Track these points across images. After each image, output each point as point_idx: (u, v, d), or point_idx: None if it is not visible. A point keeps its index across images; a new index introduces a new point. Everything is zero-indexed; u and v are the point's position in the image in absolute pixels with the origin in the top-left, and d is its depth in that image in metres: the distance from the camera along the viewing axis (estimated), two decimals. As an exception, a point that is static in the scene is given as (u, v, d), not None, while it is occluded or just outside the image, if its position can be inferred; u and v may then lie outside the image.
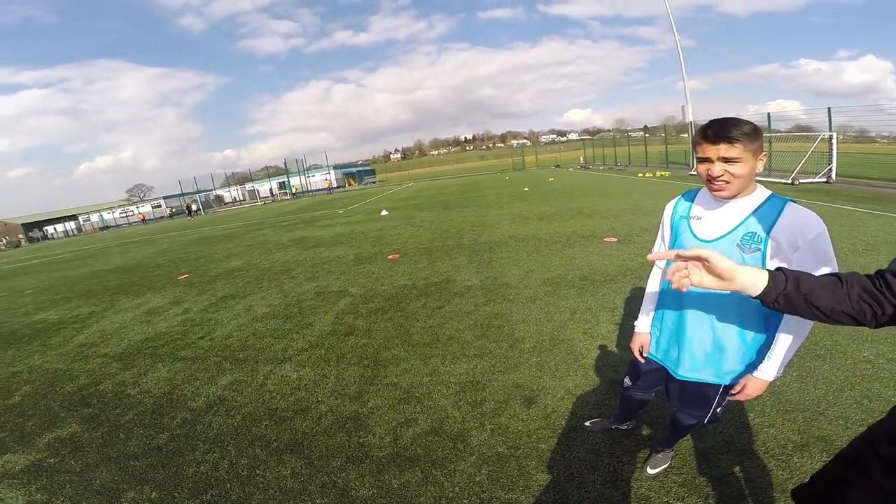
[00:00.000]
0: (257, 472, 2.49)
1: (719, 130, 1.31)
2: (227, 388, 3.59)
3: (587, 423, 2.49)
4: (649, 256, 1.18)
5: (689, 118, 21.08)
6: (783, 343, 1.40)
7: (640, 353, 1.86)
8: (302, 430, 2.85)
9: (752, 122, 1.32)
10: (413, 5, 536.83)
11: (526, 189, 18.35)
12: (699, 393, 1.70)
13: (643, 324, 1.85)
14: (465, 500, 2.10)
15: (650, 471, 2.09)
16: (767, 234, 1.35)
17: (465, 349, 3.71)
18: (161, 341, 4.98)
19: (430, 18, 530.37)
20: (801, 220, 1.31)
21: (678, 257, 1.06)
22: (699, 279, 1.04)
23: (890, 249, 4.85)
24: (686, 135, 22.01)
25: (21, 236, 57.49)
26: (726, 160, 1.32)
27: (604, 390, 2.86)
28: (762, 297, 1.00)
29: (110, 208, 61.38)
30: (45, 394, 3.98)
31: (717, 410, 1.73)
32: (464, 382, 3.18)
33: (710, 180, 1.38)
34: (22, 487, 2.66)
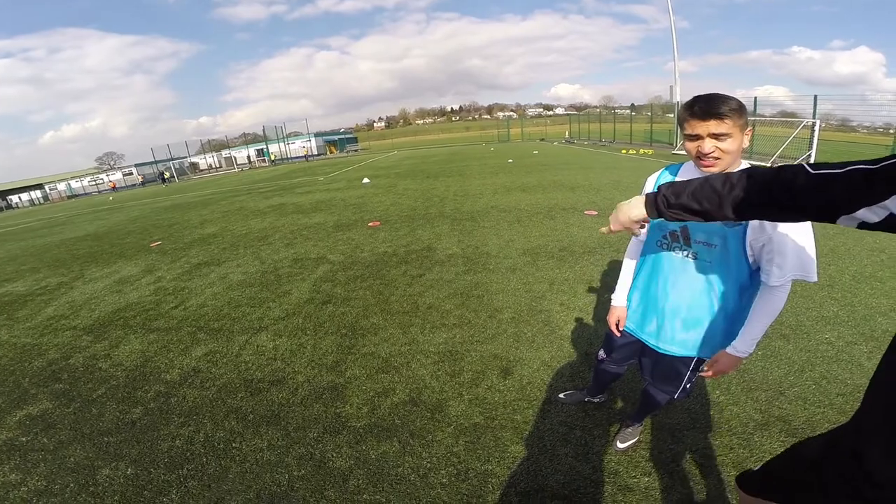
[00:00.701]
0: (234, 444, 2.46)
1: (707, 107, 1.28)
2: (201, 359, 3.52)
3: (561, 396, 2.52)
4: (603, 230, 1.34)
5: (677, 98, 21.02)
6: (756, 319, 1.41)
7: (616, 327, 1.86)
8: (278, 401, 2.82)
9: (736, 98, 1.30)
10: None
11: (510, 161, 18.20)
12: (671, 367, 1.73)
13: (619, 297, 1.86)
14: (441, 471, 2.11)
15: (619, 445, 2.13)
16: None
17: (444, 318, 3.70)
18: (133, 312, 4.84)
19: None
20: None
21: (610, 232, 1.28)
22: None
23: (857, 234, 4.96)
24: (672, 114, 21.90)
25: (-16, 205, 54.95)
26: (716, 136, 1.30)
27: (578, 362, 2.89)
28: (649, 209, 1.12)
29: (79, 176, 58.77)
30: (14, 370, 3.84)
31: (688, 386, 1.75)
32: (442, 352, 3.18)
33: (699, 157, 1.35)
34: None
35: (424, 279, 4.67)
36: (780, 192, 0.88)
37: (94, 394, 3.22)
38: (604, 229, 1.32)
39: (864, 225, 0.80)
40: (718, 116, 1.27)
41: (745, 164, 1.41)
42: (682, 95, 20.82)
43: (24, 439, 2.80)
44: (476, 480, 2.04)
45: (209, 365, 3.41)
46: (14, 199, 56.06)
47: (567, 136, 36.82)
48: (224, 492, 2.14)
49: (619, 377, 2.17)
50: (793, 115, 14.69)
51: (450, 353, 3.16)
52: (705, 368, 1.58)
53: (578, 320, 3.45)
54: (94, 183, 54.02)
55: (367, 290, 4.53)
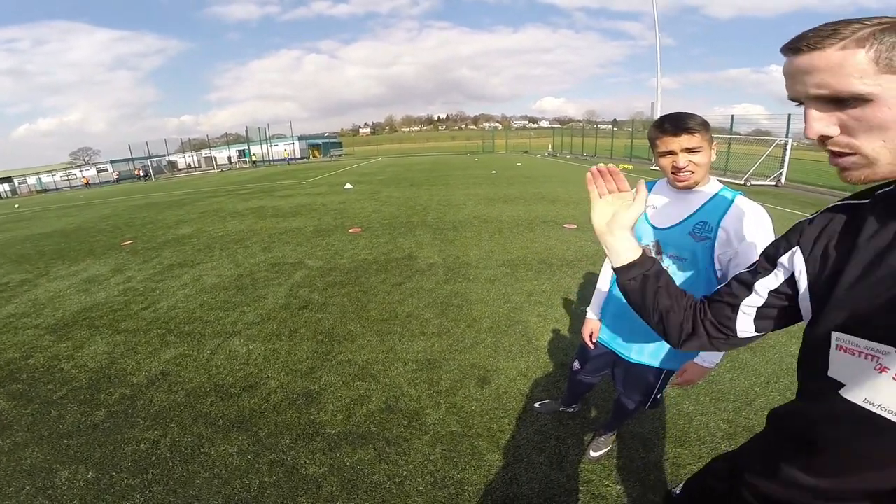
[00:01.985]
0: (202, 449, 2.39)
1: (677, 123, 1.35)
2: (170, 362, 3.42)
3: (537, 405, 2.55)
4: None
5: (658, 114, 21.62)
6: None
7: (590, 339, 1.92)
8: (250, 406, 2.75)
9: (699, 115, 1.37)
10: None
11: (493, 172, 18.38)
12: (641, 377, 1.77)
13: (594, 311, 1.93)
14: (418, 479, 2.09)
15: (593, 454, 2.16)
16: (717, 224, 1.39)
17: (423, 327, 3.68)
18: (100, 312, 4.68)
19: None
20: (748, 211, 1.36)
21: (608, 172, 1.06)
22: (611, 198, 1.03)
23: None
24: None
25: (-56, 195, 52.56)
26: (689, 150, 1.36)
27: (555, 373, 2.91)
28: (625, 267, 0.96)
29: (50, 171, 56.76)
30: (-34, 365, 3.66)
31: (658, 396, 1.80)
32: (420, 360, 3.16)
33: (674, 172, 1.40)
34: None
35: (404, 287, 4.65)
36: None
37: (55, 395, 3.09)
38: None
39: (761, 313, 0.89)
40: (689, 131, 1.33)
41: (714, 181, 1.47)
42: (662, 111, 21.47)
43: None
44: (453, 488, 2.03)
45: (178, 368, 3.31)
46: None
47: (550, 149, 37.41)
48: (191, 497, 2.07)
49: (593, 387, 2.21)
50: (767, 133, 15.22)
51: (428, 361, 3.15)
52: (676, 379, 1.62)
53: (555, 331, 3.48)
54: (66, 178, 52.15)
55: (345, 297, 4.48)
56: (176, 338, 3.85)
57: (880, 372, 0.64)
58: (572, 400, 2.42)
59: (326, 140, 65.17)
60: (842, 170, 0.69)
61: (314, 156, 55.77)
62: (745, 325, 0.89)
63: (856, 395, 0.67)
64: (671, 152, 1.38)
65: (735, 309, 0.89)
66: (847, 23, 0.63)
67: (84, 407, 2.91)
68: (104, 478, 2.25)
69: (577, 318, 3.67)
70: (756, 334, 0.90)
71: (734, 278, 0.91)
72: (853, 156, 0.66)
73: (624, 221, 0.96)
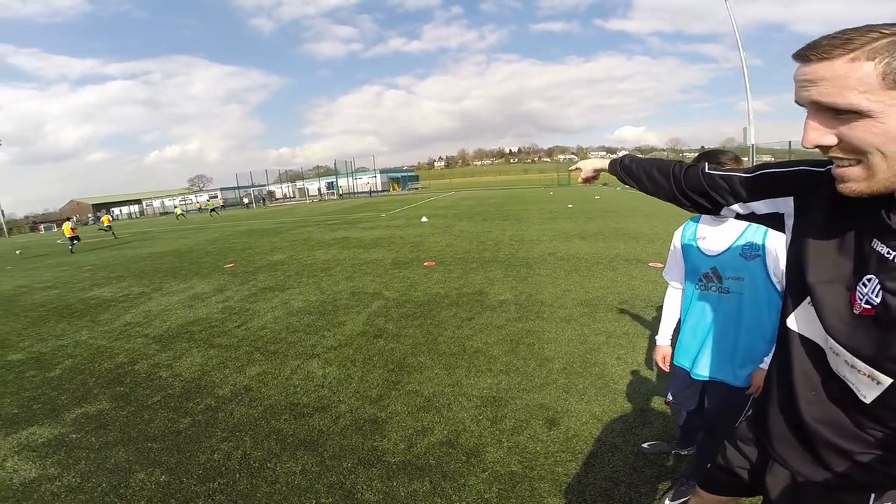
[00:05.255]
0: (268, 465, 2.49)
1: (710, 160, 1.50)
2: (254, 378, 3.65)
3: (645, 445, 2.42)
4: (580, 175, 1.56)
5: (751, 141, 19.98)
6: None
7: (663, 363, 2.00)
8: (319, 427, 2.84)
9: (732, 151, 1.61)
10: (465, 15, 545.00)
11: (570, 206, 17.98)
12: (729, 396, 1.74)
13: (663, 338, 2.04)
14: (473, 520, 2.00)
15: (669, 503, 2.00)
16: (763, 242, 1.58)
17: (491, 363, 3.61)
18: (200, 326, 5.16)
19: (481, 28, 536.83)
20: None
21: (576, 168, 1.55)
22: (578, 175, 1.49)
23: None
24: (747, 158, 20.97)
25: (90, 215, 62.21)
26: None
27: (633, 417, 2.69)
28: (612, 164, 1.32)
29: (171, 196, 65.29)
30: (84, 369, 4.19)
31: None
32: (486, 397, 3.08)
33: None
34: (38, 460, 2.76)
35: (474, 323, 4.62)
36: (681, 183, 1.10)
37: (150, 400, 3.42)
38: (573, 168, 1.58)
39: (738, 216, 1.03)
40: (720, 166, 1.56)
41: None
42: (756, 138, 19.80)
43: (74, 436, 3.01)
44: (509, 536, 1.91)
45: (260, 385, 3.52)
46: (116, 210, 62.96)
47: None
48: (253, 512, 2.15)
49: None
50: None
51: (493, 398, 3.06)
52: (750, 391, 1.66)
53: (635, 374, 3.23)
54: (184, 202, 59.50)
55: (417, 329, 4.54)
56: (262, 356, 4.12)
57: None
58: (687, 442, 2.29)
59: (405, 174, 68.24)
60: (839, 181, 0.71)
61: (394, 189, 58.47)
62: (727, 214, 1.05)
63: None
64: None
65: (716, 206, 1.06)
66: (863, 31, 0.61)
67: (172, 413, 3.18)
68: (174, 482, 2.42)
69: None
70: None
71: (726, 180, 1.03)
72: (853, 167, 0.67)
73: (586, 165, 1.49)
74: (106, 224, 22.66)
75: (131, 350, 4.57)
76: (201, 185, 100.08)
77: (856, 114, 0.62)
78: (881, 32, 0.60)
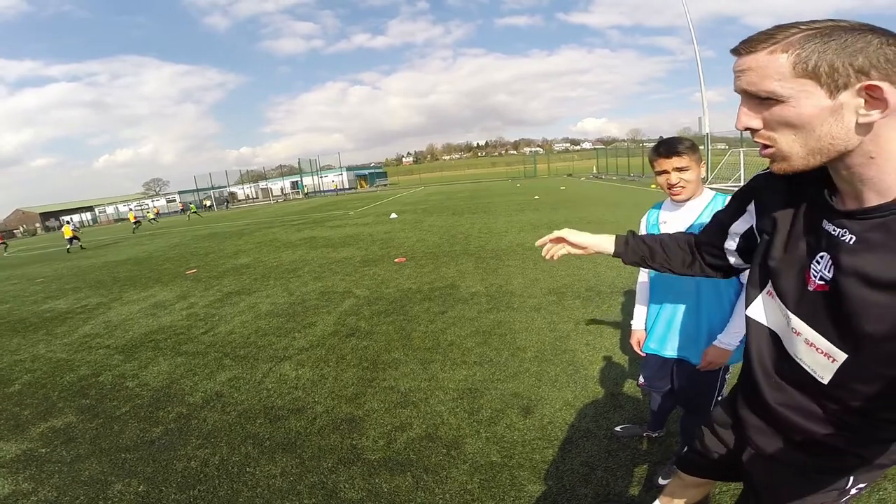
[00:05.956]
0: (248, 469, 2.47)
1: (669, 147, 1.65)
2: (225, 384, 3.58)
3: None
4: (537, 243, 1.41)
5: (706, 130, 20.80)
6: (738, 315, 1.62)
7: (638, 347, 2.07)
8: (296, 429, 2.82)
9: (689, 139, 1.69)
10: (431, 10, 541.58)
11: (536, 197, 18.30)
12: (697, 374, 1.80)
13: (638, 322, 2.10)
14: (454, 509, 2.05)
15: (662, 481, 2.06)
16: None
17: (465, 356, 3.67)
18: (164, 335, 5.00)
19: (447, 24, 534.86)
20: None
21: (552, 241, 1.37)
22: (564, 251, 1.36)
23: None
24: (703, 146, 21.84)
25: (38, 224, 58.75)
26: (679, 169, 1.65)
27: (603, 402, 2.80)
28: (618, 256, 1.36)
29: (126, 201, 62.34)
30: (45, 383, 4.00)
31: (719, 398, 1.82)
32: (462, 389, 3.14)
33: (669, 187, 1.69)
34: (10, 476, 2.66)
35: (447, 316, 4.67)
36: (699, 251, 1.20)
37: (119, 411, 3.31)
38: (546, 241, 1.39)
39: (737, 249, 1.07)
40: (678, 153, 1.63)
41: (707, 190, 1.75)
42: (710, 126, 20.65)
43: (43, 450, 2.89)
44: (491, 523, 1.97)
45: (232, 390, 3.46)
46: (66, 219, 59.59)
47: (594, 170, 36.83)
48: (236, 519, 2.13)
49: (673, 409, 2.28)
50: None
51: (469, 390, 3.12)
52: (700, 366, 1.74)
53: (605, 359, 3.36)
54: (139, 207, 56.90)
55: (390, 325, 4.55)
56: (232, 361, 4.04)
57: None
58: (657, 424, 2.37)
59: (372, 170, 67.57)
60: (770, 162, 0.80)
61: (361, 186, 57.85)
62: (734, 259, 1.10)
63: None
64: (665, 171, 1.67)
65: (721, 250, 1.11)
66: (786, 27, 0.71)
67: (143, 423, 3.09)
68: (153, 492, 2.37)
69: (630, 347, 3.52)
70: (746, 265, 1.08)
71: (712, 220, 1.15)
72: (772, 148, 0.76)
73: (576, 238, 1.33)
74: (69, 236, 20.20)
75: (93, 362, 4.39)
76: (157, 188, 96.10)
77: (774, 100, 0.71)
78: (799, 28, 0.69)
